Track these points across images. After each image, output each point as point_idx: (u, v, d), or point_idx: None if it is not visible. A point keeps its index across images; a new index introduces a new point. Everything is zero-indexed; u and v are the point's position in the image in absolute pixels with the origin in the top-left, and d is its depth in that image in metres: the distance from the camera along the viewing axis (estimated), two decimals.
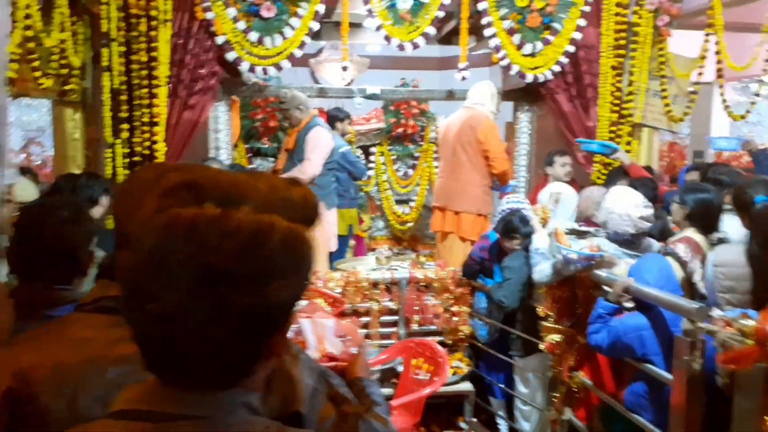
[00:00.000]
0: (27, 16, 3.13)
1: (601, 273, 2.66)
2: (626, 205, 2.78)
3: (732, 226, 2.85)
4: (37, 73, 3.27)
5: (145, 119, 3.73)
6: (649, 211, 2.80)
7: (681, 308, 2.13)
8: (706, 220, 2.83)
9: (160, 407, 0.67)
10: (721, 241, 2.84)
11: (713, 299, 2.61)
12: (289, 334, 1.58)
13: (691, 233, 2.83)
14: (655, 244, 2.96)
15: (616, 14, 4.24)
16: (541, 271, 2.87)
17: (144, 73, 3.71)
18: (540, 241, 2.99)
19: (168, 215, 0.67)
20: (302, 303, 2.85)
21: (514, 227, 3.38)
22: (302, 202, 0.74)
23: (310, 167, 4.45)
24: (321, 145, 4.50)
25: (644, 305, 2.44)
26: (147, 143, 3.74)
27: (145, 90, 3.73)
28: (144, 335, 0.68)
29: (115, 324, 0.90)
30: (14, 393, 0.90)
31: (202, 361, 0.67)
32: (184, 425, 0.66)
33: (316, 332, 1.50)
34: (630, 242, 2.82)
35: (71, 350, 0.92)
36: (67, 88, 3.50)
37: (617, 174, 4.03)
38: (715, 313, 2.03)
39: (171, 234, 0.65)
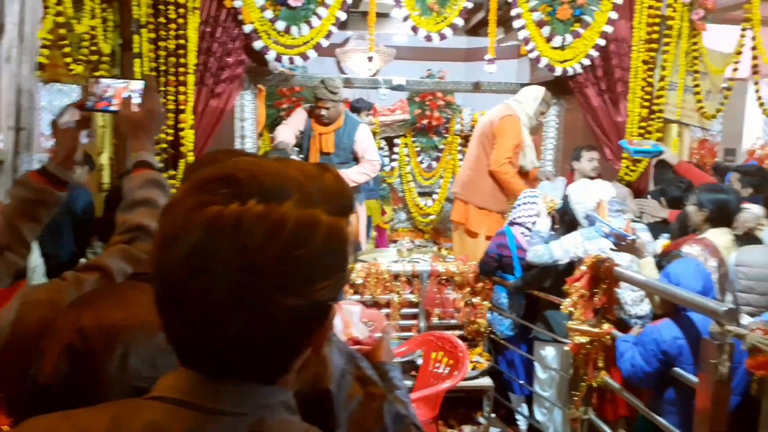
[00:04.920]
0: (58, 2, 3.16)
1: (623, 270, 2.62)
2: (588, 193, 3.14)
3: None
4: (68, 59, 3.31)
5: (171, 106, 3.75)
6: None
7: (709, 310, 2.07)
8: (724, 221, 2.79)
9: (202, 401, 0.67)
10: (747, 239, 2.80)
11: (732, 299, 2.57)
12: None
13: (710, 235, 2.79)
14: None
15: (650, 7, 4.13)
16: (535, 251, 3.21)
17: (172, 60, 3.72)
18: (542, 224, 3.37)
19: (210, 213, 0.64)
20: None
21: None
22: (337, 190, 0.72)
23: (378, 165, 4.55)
24: (373, 144, 4.57)
25: (675, 311, 2.40)
26: (171, 130, 3.76)
27: (173, 77, 3.74)
28: (182, 335, 0.68)
29: None
30: (75, 349, 0.97)
31: (242, 360, 0.67)
32: (230, 420, 0.66)
33: (343, 317, 1.53)
34: None
35: (125, 313, 0.99)
36: (96, 74, 3.53)
37: (664, 169, 4.00)
38: (745, 318, 1.99)
39: (214, 233, 0.64)
